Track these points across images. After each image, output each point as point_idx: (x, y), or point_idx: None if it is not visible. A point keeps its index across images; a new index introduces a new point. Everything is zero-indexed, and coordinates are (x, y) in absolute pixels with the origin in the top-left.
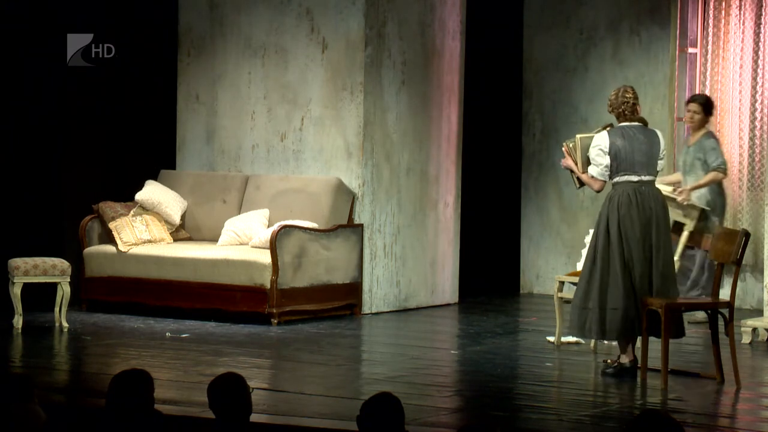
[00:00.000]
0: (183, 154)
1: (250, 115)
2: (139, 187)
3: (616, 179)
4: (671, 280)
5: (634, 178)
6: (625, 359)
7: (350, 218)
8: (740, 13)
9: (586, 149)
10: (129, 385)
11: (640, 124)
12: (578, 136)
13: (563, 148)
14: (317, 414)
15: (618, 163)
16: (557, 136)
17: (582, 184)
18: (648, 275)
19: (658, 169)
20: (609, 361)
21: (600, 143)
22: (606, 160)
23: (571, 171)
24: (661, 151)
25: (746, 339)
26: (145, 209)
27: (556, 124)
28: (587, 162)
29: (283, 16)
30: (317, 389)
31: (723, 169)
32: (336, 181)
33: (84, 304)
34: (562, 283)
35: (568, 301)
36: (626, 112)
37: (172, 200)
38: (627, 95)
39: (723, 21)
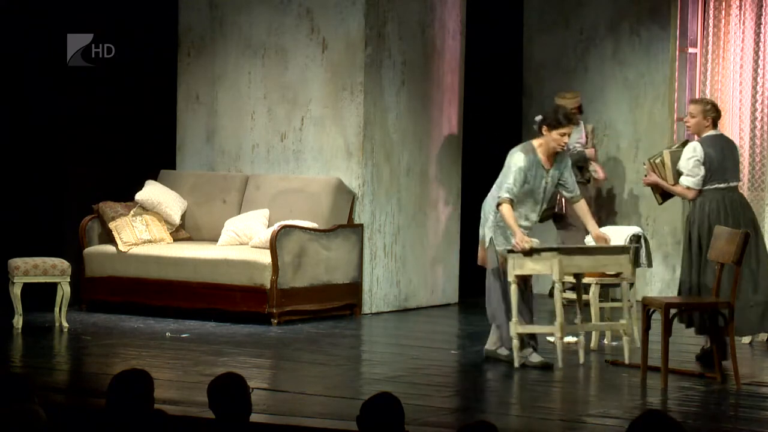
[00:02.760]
0: (183, 154)
1: (250, 115)
2: (139, 187)
3: (707, 187)
4: None
5: (723, 186)
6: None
7: (350, 218)
8: (740, 13)
9: (675, 162)
10: (129, 385)
11: (720, 132)
12: (665, 150)
13: (645, 165)
14: (317, 414)
15: (711, 172)
16: None
17: (665, 198)
18: (754, 275)
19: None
20: (609, 360)
21: (695, 154)
22: (702, 171)
23: (654, 187)
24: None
25: (746, 339)
26: (145, 209)
27: None
28: (678, 174)
29: (283, 16)
30: (317, 389)
31: None
32: (336, 181)
33: (84, 304)
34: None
35: (571, 301)
36: (713, 121)
37: (172, 200)
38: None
39: (723, 21)
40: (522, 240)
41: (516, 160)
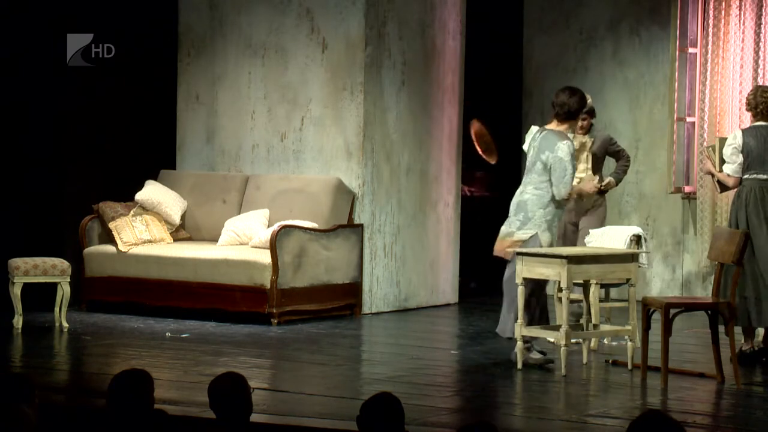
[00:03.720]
0: (183, 154)
1: (250, 115)
2: (139, 187)
3: (746, 176)
4: None
5: (763, 176)
6: (746, 346)
7: (350, 218)
8: (740, 13)
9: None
10: (129, 385)
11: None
12: (718, 138)
13: (704, 155)
14: (317, 414)
15: (750, 161)
16: None
17: (723, 188)
18: None
19: None
20: (610, 360)
21: (734, 142)
22: (740, 159)
23: (712, 175)
24: None
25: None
26: (145, 209)
27: None
28: (722, 162)
29: (283, 16)
30: (317, 389)
31: None
32: (336, 181)
33: (84, 304)
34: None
35: (574, 301)
36: (764, 111)
37: (172, 200)
38: (765, 95)
39: (723, 21)
40: (591, 183)
41: (567, 150)
